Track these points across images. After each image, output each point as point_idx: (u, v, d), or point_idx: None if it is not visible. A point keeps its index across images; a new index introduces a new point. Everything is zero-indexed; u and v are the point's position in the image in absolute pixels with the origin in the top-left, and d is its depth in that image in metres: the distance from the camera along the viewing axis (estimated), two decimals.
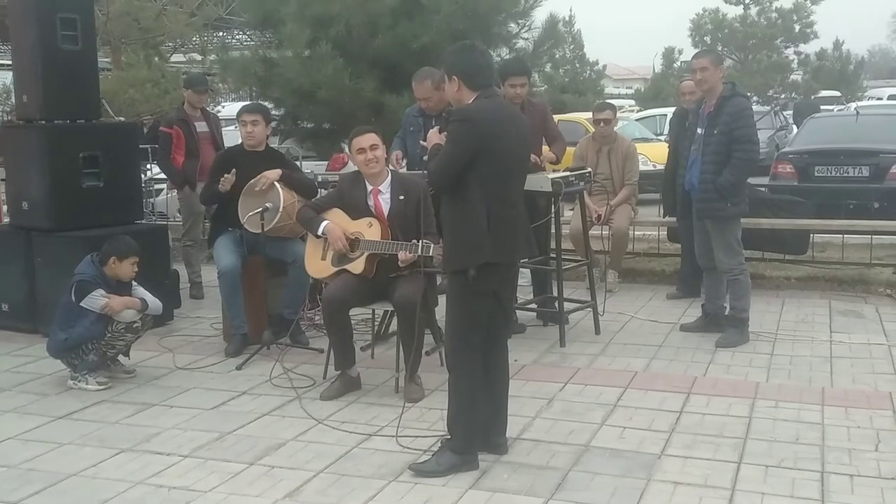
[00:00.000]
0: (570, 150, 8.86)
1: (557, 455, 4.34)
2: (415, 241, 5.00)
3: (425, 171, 4.65)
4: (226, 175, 6.10)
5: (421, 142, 5.86)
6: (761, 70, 25.46)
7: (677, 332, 6.58)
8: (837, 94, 35.76)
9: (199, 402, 5.25)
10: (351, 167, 9.25)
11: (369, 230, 5.26)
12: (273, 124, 6.82)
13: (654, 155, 14.35)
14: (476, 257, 4.08)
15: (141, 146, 8.52)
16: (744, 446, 4.41)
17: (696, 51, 8.16)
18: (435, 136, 4.43)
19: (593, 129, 8.22)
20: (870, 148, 11.00)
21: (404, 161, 6.36)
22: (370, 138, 5.28)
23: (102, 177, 6.82)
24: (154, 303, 5.67)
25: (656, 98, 34.89)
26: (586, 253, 7.01)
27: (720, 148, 6.02)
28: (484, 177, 4.07)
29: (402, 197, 5.29)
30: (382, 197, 5.36)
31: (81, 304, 5.40)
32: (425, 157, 4.62)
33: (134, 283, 5.64)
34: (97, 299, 5.39)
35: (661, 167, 13.20)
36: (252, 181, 6.01)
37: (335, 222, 5.36)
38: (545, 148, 6.65)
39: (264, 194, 5.97)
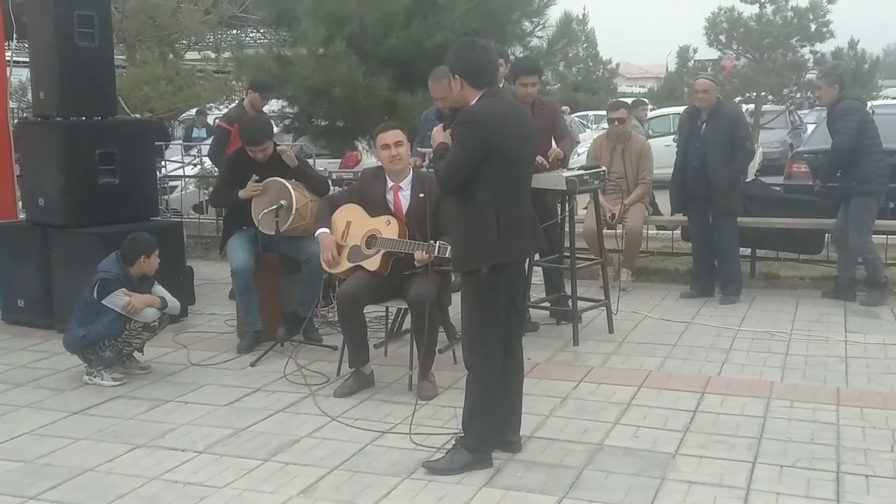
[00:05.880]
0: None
1: (571, 453, 4.34)
2: (432, 241, 5.00)
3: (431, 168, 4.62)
4: (252, 186, 6.09)
5: (419, 148, 5.93)
6: (777, 69, 25.21)
7: (691, 331, 6.57)
8: None
9: (214, 398, 5.28)
10: (365, 164, 9.28)
11: (387, 228, 5.26)
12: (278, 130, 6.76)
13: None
14: (487, 257, 4.07)
15: (156, 143, 8.54)
16: (758, 446, 4.40)
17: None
18: (440, 135, 4.38)
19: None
20: (885, 148, 10.91)
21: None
22: (395, 135, 5.28)
23: (118, 173, 6.85)
24: (173, 302, 5.71)
25: (670, 97, 34.77)
26: (600, 252, 7.00)
27: None
28: (492, 177, 4.05)
29: (421, 195, 5.28)
30: (402, 194, 5.36)
31: (103, 301, 5.43)
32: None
33: (155, 282, 5.68)
34: (120, 298, 5.42)
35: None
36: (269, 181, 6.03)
37: (352, 218, 5.38)
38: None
39: (277, 193, 5.98)
